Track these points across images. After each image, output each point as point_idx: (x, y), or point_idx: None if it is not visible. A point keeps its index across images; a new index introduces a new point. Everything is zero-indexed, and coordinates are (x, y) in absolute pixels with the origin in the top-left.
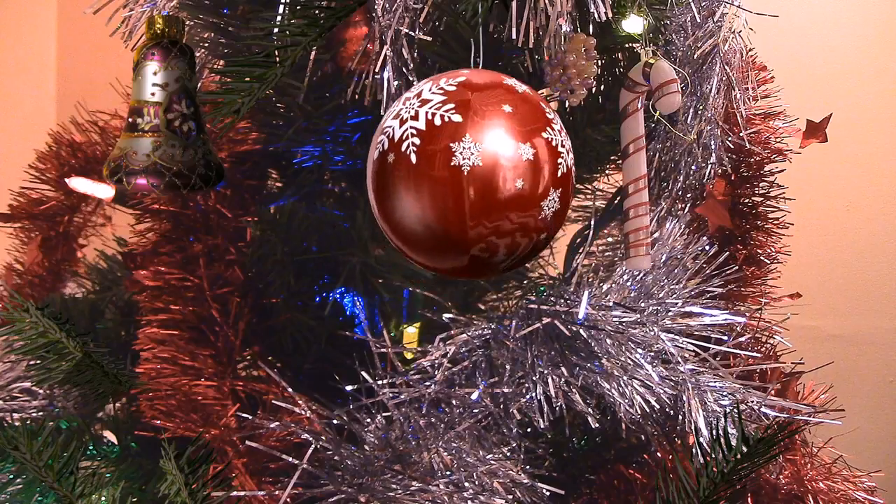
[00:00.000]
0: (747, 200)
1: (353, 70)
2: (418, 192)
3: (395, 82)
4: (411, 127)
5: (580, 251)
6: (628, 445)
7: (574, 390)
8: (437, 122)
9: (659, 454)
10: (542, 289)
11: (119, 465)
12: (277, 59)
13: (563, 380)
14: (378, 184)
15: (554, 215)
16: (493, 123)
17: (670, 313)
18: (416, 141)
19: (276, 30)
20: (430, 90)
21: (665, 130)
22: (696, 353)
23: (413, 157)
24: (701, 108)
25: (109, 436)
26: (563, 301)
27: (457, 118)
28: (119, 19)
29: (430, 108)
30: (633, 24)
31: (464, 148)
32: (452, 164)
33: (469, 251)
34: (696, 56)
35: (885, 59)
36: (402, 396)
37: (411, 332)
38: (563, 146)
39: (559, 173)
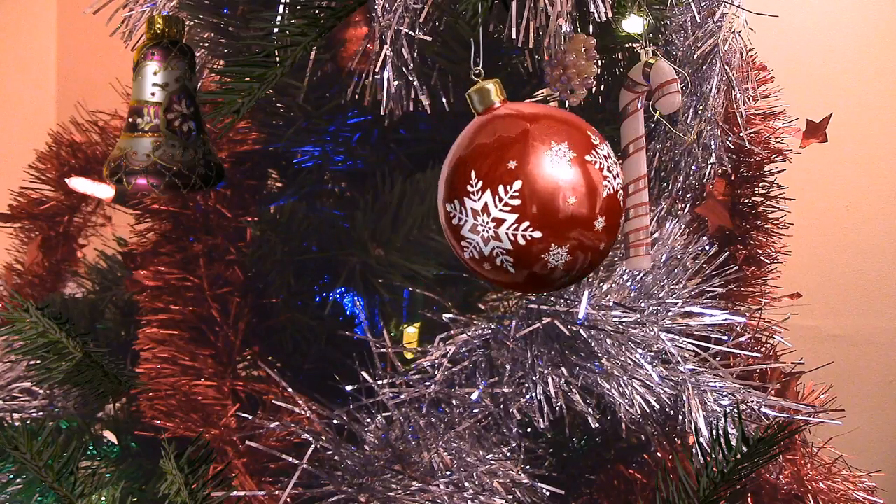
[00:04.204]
0: (747, 200)
1: (353, 70)
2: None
3: (395, 82)
4: (498, 247)
5: None
6: (628, 445)
7: (574, 390)
8: (522, 241)
9: (659, 454)
10: None
11: (119, 465)
12: (277, 59)
13: (563, 380)
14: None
15: (606, 233)
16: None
17: (670, 313)
18: (510, 259)
19: (276, 30)
20: (498, 206)
21: (665, 130)
22: (696, 353)
23: (511, 269)
24: (701, 108)
25: (109, 436)
26: (563, 301)
27: (537, 234)
28: (119, 19)
29: (508, 229)
30: (633, 24)
31: (553, 255)
32: (549, 267)
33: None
34: (696, 56)
35: (885, 59)
36: (402, 396)
37: (411, 332)
38: (609, 171)
39: (605, 195)
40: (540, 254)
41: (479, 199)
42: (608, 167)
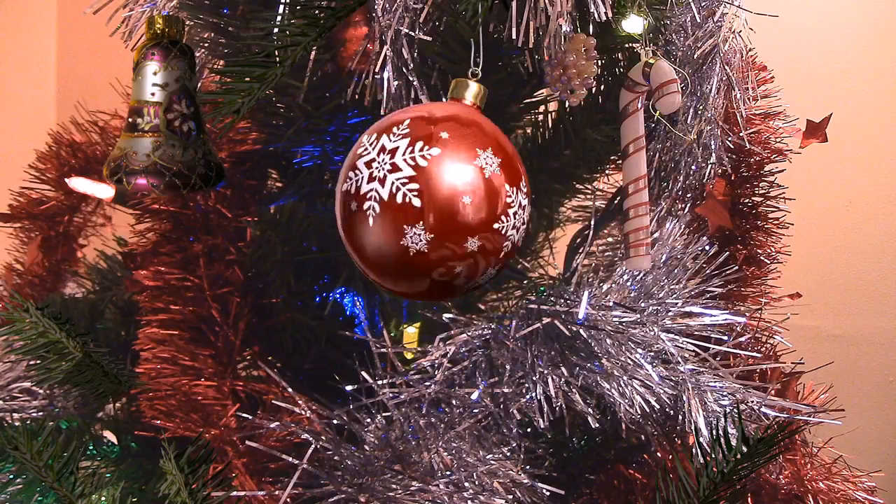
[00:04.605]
0: (747, 200)
1: (353, 70)
2: (380, 240)
3: (395, 82)
4: (398, 179)
5: (580, 251)
6: (628, 445)
7: (574, 390)
8: (399, 199)
9: (659, 454)
10: (542, 289)
11: (119, 465)
12: (277, 59)
13: (563, 380)
14: (345, 222)
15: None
16: (448, 212)
17: (670, 313)
18: (377, 207)
19: (276, 30)
20: (405, 156)
21: (665, 130)
22: (696, 353)
23: (371, 221)
24: (701, 108)
25: (109, 436)
26: (563, 301)
27: (416, 203)
28: (119, 19)
29: (404, 154)
30: (633, 24)
31: (415, 233)
32: (402, 243)
33: (430, 276)
34: (696, 56)
35: (885, 59)
36: (402, 396)
37: (411, 332)
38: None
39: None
40: (403, 223)
41: (373, 150)
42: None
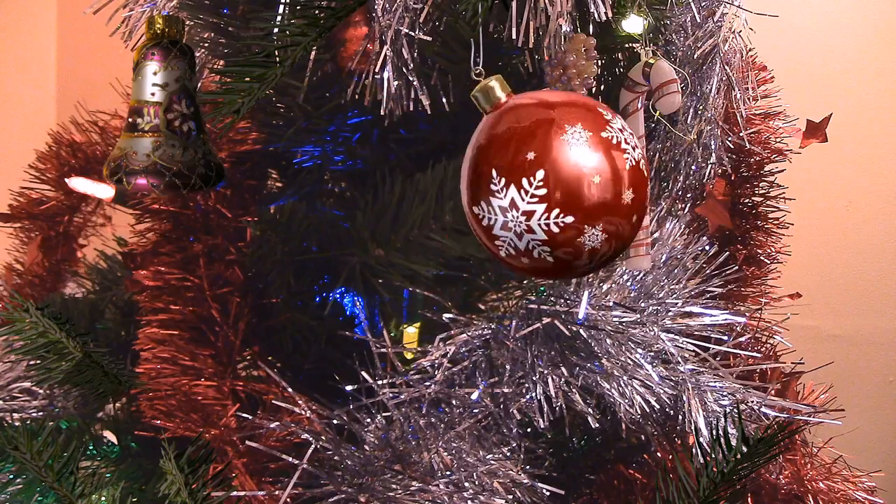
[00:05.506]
0: (747, 200)
1: (353, 70)
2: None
3: (395, 82)
4: (533, 240)
5: None
6: (628, 445)
7: (574, 390)
8: (556, 229)
9: (659, 454)
10: (542, 289)
11: (119, 465)
12: (277, 59)
13: (563, 380)
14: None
15: (635, 205)
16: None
17: (670, 313)
18: (547, 248)
19: (276, 30)
20: (525, 200)
21: (665, 130)
22: (696, 353)
23: (550, 258)
24: (701, 108)
25: (109, 436)
26: (563, 301)
27: (569, 220)
28: (119, 19)
29: (539, 219)
30: (633, 24)
31: (588, 236)
32: (586, 248)
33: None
34: (696, 56)
35: (885, 59)
36: (402, 396)
37: (411, 332)
38: (626, 143)
39: (627, 167)
40: (575, 238)
41: (504, 197)
42: (625, 139)
